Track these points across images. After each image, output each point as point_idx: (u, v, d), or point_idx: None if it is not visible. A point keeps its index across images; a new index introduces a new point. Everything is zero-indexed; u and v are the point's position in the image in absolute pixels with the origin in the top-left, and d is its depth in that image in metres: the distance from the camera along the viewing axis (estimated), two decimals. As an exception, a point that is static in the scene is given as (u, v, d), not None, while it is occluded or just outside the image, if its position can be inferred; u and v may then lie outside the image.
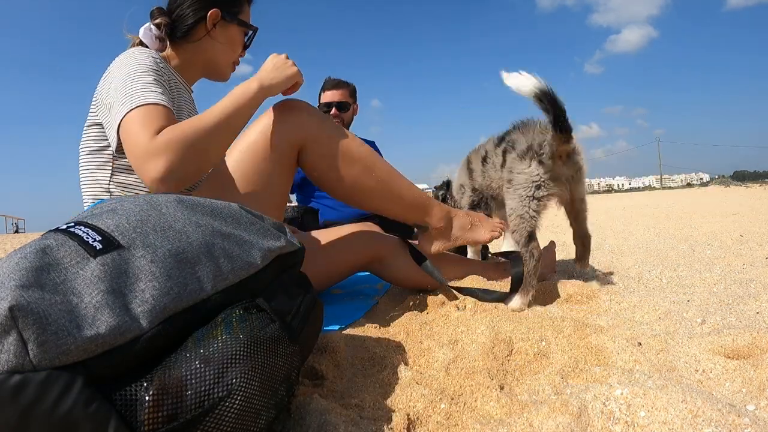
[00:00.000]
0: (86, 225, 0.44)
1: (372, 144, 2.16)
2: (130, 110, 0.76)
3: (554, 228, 3.29)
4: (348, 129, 1.98)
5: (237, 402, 0.39)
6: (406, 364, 0.69)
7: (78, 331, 0.34)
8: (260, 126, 0.94)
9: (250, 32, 1.07)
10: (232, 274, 0.48)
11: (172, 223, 0.48)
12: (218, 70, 1.07)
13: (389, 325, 0.91)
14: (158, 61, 0.91)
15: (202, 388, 0.37)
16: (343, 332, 0.85)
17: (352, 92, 2.01)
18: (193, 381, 0.37)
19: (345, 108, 1.95)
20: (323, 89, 2.02)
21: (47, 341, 0.32)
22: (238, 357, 0.41)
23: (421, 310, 1.03)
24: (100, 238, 0.42)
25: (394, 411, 0.54)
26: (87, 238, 0.42)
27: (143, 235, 0.45)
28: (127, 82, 0.80)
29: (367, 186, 0.97)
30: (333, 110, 1.95)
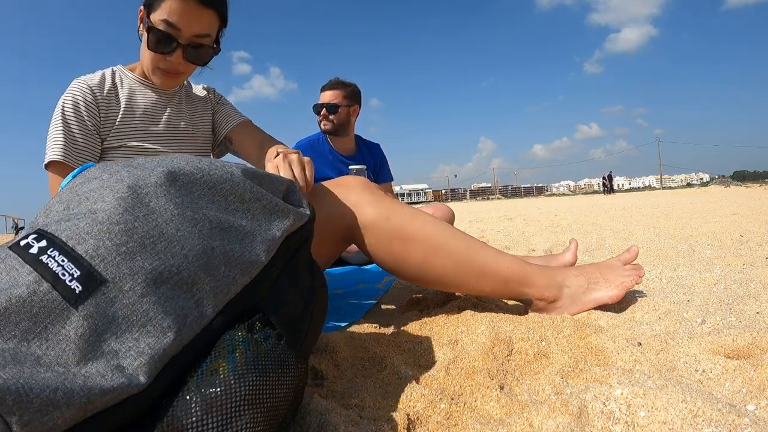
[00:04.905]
0: (60, 247, 0.37)
1: (377, 147, 2.14)
2: (45, 164, 0.92)
3: (554, 228, 3.29)
4: (344, 131, 1.98)
5: None
6: (406, 364, 0.69)
7: (66, 401, 0.30)
8: (313, 197, 0.81)
9: (160, 34, 0.90)
10: (234, 284, 0.42)
11: (163, 228, 0.40)
12: (149, 74, 1.00)
13: (389, 325, 0.91)
14: (90, 88, 0.95)
15: None
16: (343, 332, 0.85)
17: (349, 94, 1.98)
18: None
19: (333, 110, 1.93)
20: (320, 90, 2.02)
21: (32, 420, 0.29)
22: (243, 402, 0.36)
23: (421, 310, 1.03)
24: (78, 273, 0.35)
25: (394, 411, 0.54)
26: (63, 275, 0.34)
27: (129, 256, 0.37)
28: (49, 130, 0.95)
29: (438, 266, 0.82)
30: (323, 111, 1.95)
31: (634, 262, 0.90)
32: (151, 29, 0.91)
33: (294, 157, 0.77)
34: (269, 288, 0.46)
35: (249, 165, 0.53)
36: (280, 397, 0.40)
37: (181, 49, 0.93)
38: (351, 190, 0.83)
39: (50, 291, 0.34)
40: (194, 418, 0.34)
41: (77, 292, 0.34)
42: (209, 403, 0.35)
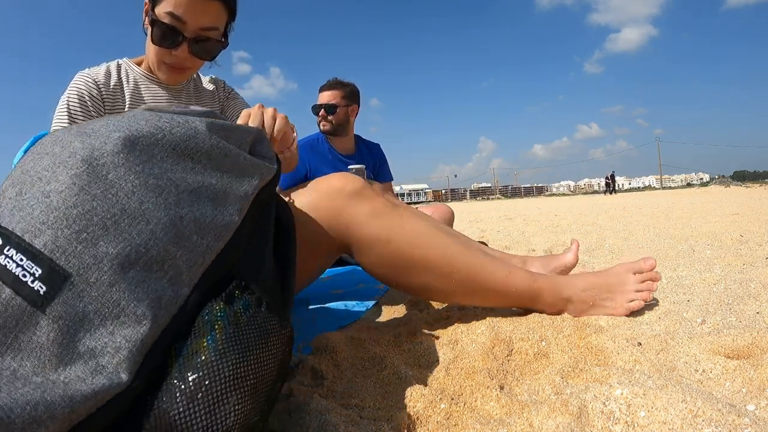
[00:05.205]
0: (17, 244, 0.33)
1: (377, 147, 2.15)
2: None
3: (554, 228, 3.29)
4: (343, 131, 1.99)
5: (237, 430, 0.34)
6: (406, 364, 0.69)
7: (50, 414, 0.28)
8: (300, 205, 0.74)
9: (164, 27, 0.86)
10: (208, 253, 0.39)
11: (125, 203, 0.36)
12: (155, 70, 0.96)
13: (389, 325, 0.91)
14: (95, 83, 0.93)
15: (198, 430, 0.33)
16: (343, 332, 0.85)
17: (348, 93, 1.98)
18: (186, 424, 0.33)
19: (331, 110, 1.94)
20: (318, 91, 2.03)
21: None
22: (228, 382, 0.35)
23: (421, 310, 1.03)
24: (39, 272, 0.32)
25: (394, 411, 0.54)
26: (24, 276, 0.32)
27: (91, 243, 0.34)
28: (53, 123, 0.92)
29: (441, 288, 0.78)
30: (321, 112, 1.95)
31: (652, 271, 0.84)
32: (155, 22, 0.86)
33: (270, 109, 0.73)
34: (243, 250, 0.44)
35: (216, 119, 0.49)
36: (267, 367, 0.38)
37: (186, 43, 0.89)
38: (347, 199, 0.74)
39: (13, 297, 0.31)
40: (181, 408, 0.32)
41: (42, 293, 0.32)
42: (194, 388, 0.33)
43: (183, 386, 0.33)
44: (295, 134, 0.86)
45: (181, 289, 0.37)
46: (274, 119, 0.71)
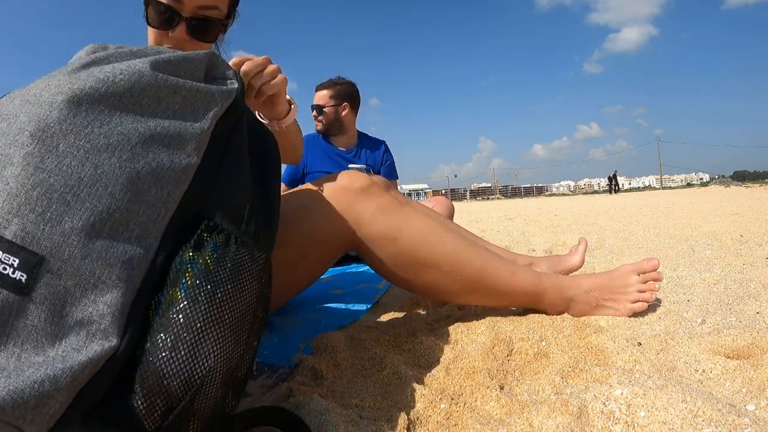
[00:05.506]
0: None
1: (381, 144, 2.16)
2: None
3: (554, 228, 3.29)
4: (336, 129, 1.99)
5: (220, 368, 0.37)
6: (406, 364, 0.70)
7: (55, 387, 0.30)
8: (307, 203, 0.74)
9: (160, 7, 0.81)
10: (169, 201, 0.39)
11: (80, 172, 0.36)
12: None
13: (389, 325, 0.91)
14: None
15: (183, 375, 0.35)
16: (343, 332, 0.85)
17: (337, 93, 1.99)
18: (171, 371, 0.35)
19: (320, 111, 1.98)
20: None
21: (35, 417, 0.30)
22: (204, 324, 0.36)
23: (421, 310, 1.03)
24: (17, 262, 0.32)
25: (394, 411, 0.54)
26: (5, 270, 0.32)
27: (56, 222, 0.34)
28: None
29: (447, 287, 0.78)
30: (313, 112, 1.99)
31: (655, 272, 0.84)
32: (150, 2, 0.81)
33: (274, 66, 0.69)
34: (209, 185, 0.43)
35: (162, 54, 0.46)
36: (243, 301, 0.40)
37: (184, 24, 0.83)
38: (354, 197, 0.74)
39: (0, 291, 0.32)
40: (165, 359, 0.35)
41: (24, 281, 0.32)
42: (174, 338, 0.35)
43: (164, 336, 0.36)
44: (293, 106, 0.83)
45: (149, 244, 0.38)
46: (274, 76, 0.67)
